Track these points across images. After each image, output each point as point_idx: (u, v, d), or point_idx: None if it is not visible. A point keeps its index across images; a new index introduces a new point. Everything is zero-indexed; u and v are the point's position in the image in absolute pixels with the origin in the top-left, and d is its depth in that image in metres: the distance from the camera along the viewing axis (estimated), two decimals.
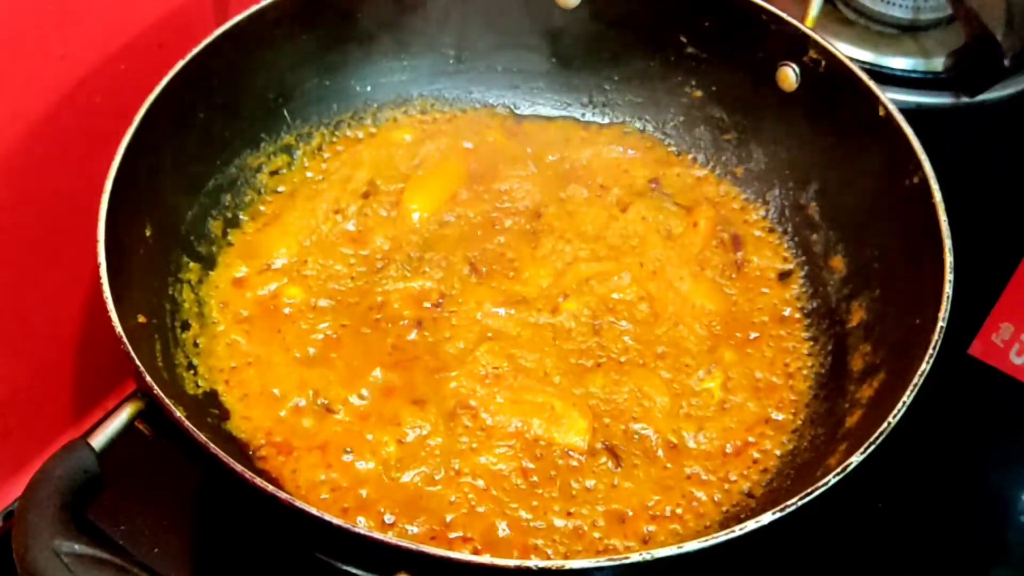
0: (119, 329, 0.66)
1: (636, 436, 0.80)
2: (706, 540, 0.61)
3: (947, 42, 1.03)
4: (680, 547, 0.60)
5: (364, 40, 0.95)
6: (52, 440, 0.85)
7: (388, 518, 0.74)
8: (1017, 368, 0.86)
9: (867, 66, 0.95)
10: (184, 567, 0.81)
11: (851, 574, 0.83)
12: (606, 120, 1.02)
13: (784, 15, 0.88)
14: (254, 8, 0.86)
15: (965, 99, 0.97)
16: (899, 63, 1.02)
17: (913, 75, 1.01)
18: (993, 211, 1.00)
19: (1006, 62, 0.86)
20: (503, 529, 0.75)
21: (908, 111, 0.81)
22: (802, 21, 0.89)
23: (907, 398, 0.67)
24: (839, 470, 0.64)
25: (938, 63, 1.00)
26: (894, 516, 0.85)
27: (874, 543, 0.83)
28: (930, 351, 0.70)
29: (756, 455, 0.80)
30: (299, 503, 0.60)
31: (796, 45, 0.88)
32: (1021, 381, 0.87)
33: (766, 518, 0.61)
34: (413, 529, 0.74)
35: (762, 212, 0.94)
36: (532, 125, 1.02)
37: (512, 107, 1.02)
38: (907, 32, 1.06)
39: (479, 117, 1.02)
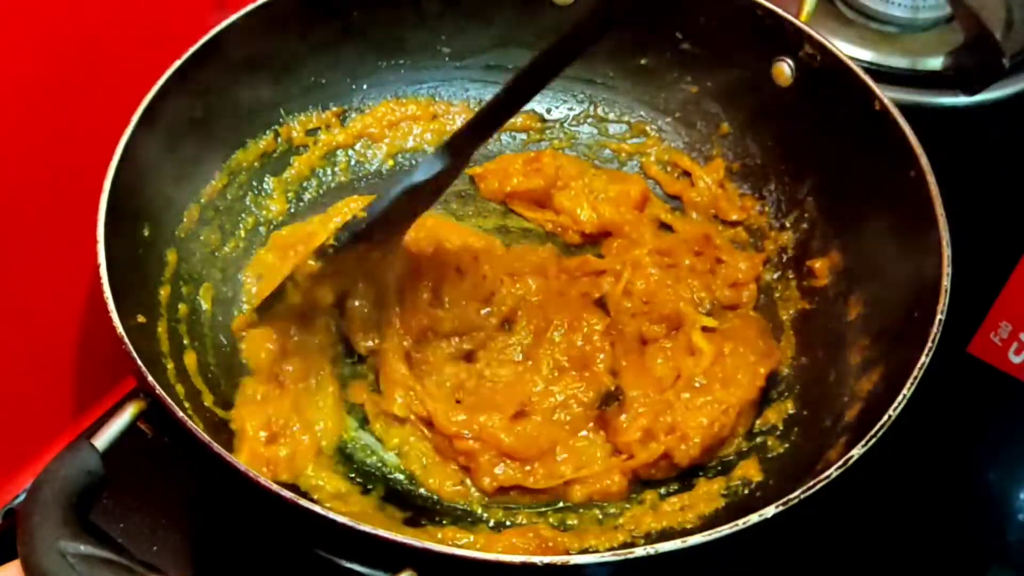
0: (120, 329, 0.66)
1: None
2: (709, 534, 0.61)
3: (946, 41, 1.03)
4: (684, 542, 0.60)
5: (360, 38, 0.95)
6: (51, 438, 0.85)
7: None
8: (1016, 367, 0.86)
9: (866, 65, 0.96)
10: (183, 565, 0.81)
11: (850, 573, 0.83)
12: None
13: (779, 10, 0.88)
14: (250, 7, 0.86)
15: (964, 98, 0.97)
16: (898, 62, 1.02)
17: (912, 74, 1.01)
18: (992, 211, 1.00)
19: (1005, 62, 0.87)
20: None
21: (906, 110, 0.81)
22: (797, 16, 0.89)
23: (907, 391, 0.67)
24: (841, 463, 0.64)
25: (937, 62, 1.00)
26: (893, 515, 0.85)
27: (873, 542, 0.83)
28: (929, 344, 0.70)
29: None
30: (304, 502, 0.60)
31: (791, 40, 0.88)
32: (1020, 380, 0.87)
33: (769, 511, 0.61)
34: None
35: (759, 207, 0.94)
36: None
37: None
38: (906, 31, 1.06)
39: None
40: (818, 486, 0.62)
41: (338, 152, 0.96)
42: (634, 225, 0.93)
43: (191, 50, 0.81)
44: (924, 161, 0.79)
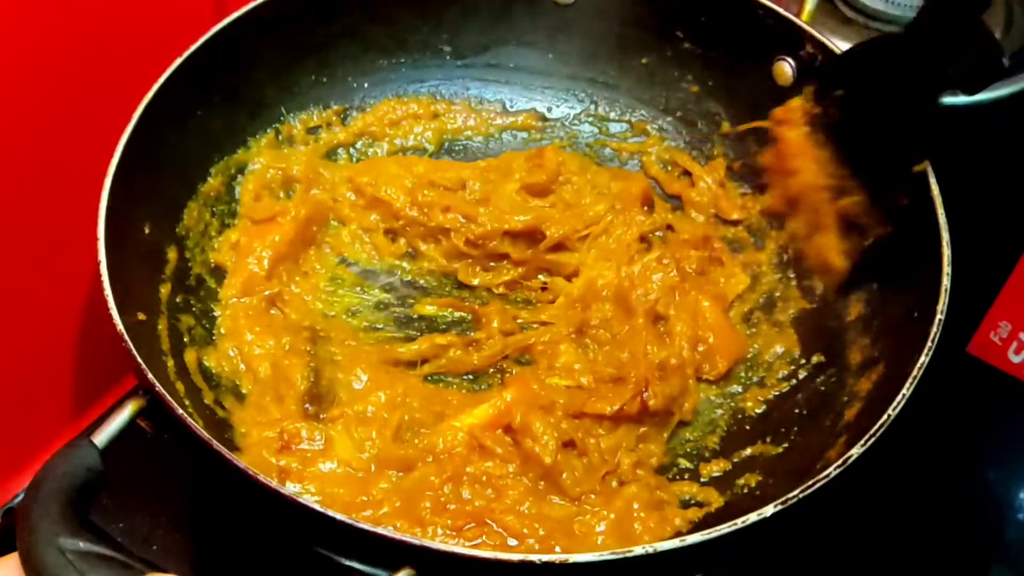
0: (120, 327, 0.66)
1: None
2: (708, 533, 0.61)
3: None
4: (683, 540, 0.60)
5: (360, 36, 0.95)
6: (51, 437, 0.85)
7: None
8: (1015, 366, 0.86)
9: None
10: (183, 563, 0.81)
11: (850, 573, 0.83)
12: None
13: (780, 10, 0.89)
14: (250, 5, 0.86)
15: (964, 98, 0.97)
16: None
17: None
18: (992, 210, 1.00)
19: (1005, 62, 0.86)
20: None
21: None
22: (798, 16, 0.89)
23: (907, 391, 0.68)
24: (839, 463, 0.64)
25: None
26: (893, 515, 0.85)
27: (872, 542, 0.83)
28: (929, 344, 0.70)
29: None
30: (303, 500, 0.60)
31: (792, 39, 0.88)
32: (1020, 379, 0.87)
33: (768, 511, 0.61)
34: None
35: (760, 206, 0.94)
36: None
37: (508, 103, 1.02)
38: None
39: None
40: (817, 485, 0.62)
41: (339, 150, 0.96)
42: None
43: (191, 49, 0.81)
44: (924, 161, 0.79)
